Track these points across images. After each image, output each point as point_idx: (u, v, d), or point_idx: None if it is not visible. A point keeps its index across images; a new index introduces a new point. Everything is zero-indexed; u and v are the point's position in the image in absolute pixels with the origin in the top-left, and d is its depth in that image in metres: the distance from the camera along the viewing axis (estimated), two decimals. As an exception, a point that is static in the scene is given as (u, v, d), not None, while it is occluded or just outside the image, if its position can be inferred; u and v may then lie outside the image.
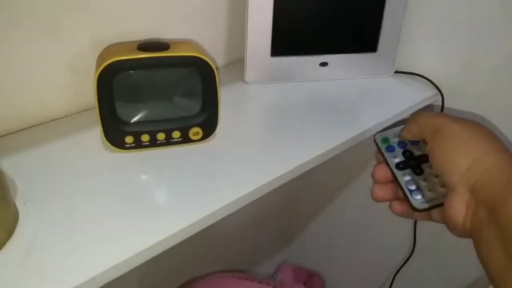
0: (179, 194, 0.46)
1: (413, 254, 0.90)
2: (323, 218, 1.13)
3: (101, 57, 0.50)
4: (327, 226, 1.13)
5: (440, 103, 0.73)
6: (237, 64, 0.77)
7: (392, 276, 0.97)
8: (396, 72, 0.77)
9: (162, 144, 0.54)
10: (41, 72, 0.55)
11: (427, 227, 0.86)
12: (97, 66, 0.48)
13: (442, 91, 0.73)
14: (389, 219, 0.93)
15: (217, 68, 0.52)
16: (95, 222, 0.42)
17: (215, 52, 0.74)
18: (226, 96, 0.66)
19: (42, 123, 0.58)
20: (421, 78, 0.75)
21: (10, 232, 0.41)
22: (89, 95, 0.61)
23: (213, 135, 0.56)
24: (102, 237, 0.40)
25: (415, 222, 0.87)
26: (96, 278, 0.36)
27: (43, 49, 0.54)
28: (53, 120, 0.59)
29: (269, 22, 0.66)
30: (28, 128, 0.57)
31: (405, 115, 0.67)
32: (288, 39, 0.69)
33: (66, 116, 0.60)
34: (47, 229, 0.41)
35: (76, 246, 0.39)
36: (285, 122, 0.61)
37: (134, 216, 0.43)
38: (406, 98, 0.70)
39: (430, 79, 0.74)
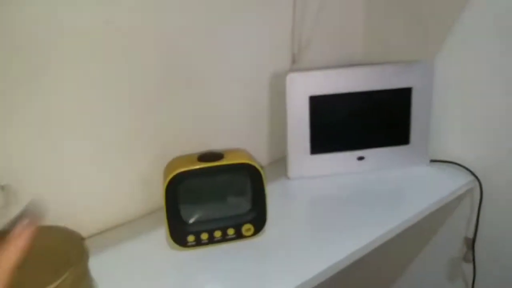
0: (231, 283, 0.54)
1: None
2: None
3: (168, 168, 0.62)
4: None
5: (479, 189, 0.79)
6: (279, 161, 0.88)
7: None
8: (432, 161, 0.84)
9: (218, 241, 0.63)
10: (116, 184, 0.68)
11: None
12: (165, 176, 0.60)
13: (481, 179, 0.79)
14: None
15: (262, 168, 0.63)
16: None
17: (259, 153, 0.86)
18: (270, 192, 0.75)
19: (117, 226, 0.69)
20: (457, 165, 0.82)
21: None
22: (154, 199, 0.73)
23: (263, 230, 0.64)
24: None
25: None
26: None
27: (118, 166, 0.68)
28: (126, 222, 0.70)
29: (306, 124, 0.78)
30: (105, 231, 0.68)
31: (444, 202, 0.74)
32: (326, 138, 0.80)
33: (136, 219, 0.72)
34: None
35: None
36: (327, 215, 0.69)
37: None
38: (443, 186, 0.76)
39: (466, 166, 0.81)
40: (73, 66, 0.59)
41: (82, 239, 0.51)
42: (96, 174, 0.66)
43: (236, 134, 0.81)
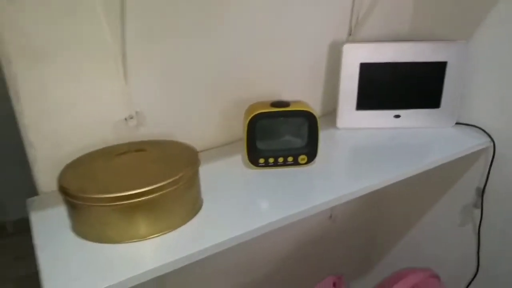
0: (287, 193, 0.80)
1: (477, 276, 1.10)
2: (396, 238, 1.37)
3: (248, 110, 0.88)
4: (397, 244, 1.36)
5: (492, 148, 0.98)
6: (329, 114, 1.11)
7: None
8: (457, 123, 1.03)
9: (281, 165, 0.88)
10: (204, 121, 0.95)
11: (491, 249, 1.07)
12: (247, 115, 0.86)
13: (495, 140, 0.97)
14: (453, 237, 1.15)
15: (319, 117, 0.86)
16: (239, 208, 0.77)
17: (314, 106, 1.09)
18: (321, 136, 1.00)
19: (204, 150, 0.97)
20: (477, 128, 1.01)
21: (197, 210, 0.77)
22: (230, 133, 0.99)
23: (313, 161, 0.89)
24: (236, 215, 0.75)
25: (478, 243, 1.08)
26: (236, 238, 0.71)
27: (204, 107, 0.94)
28: (210, 148, 0.98)
29: (355, 85, 1.00)
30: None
31: (460, 155, 0.94)
32: (370, 97, 1.02)
33: (217, 147, 0.99)
34: (219, 210, 0.77)
35: (227, 219, 0.74)
36: (364, 157, 0.93)
37: (256, 205, 0.77)
38: (462, 144, 0.96)
39: (486, 130, 0.99)
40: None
41: (195, 150, 0.77)
42: (196, 111, 0.93)
43: (298, 89, 1.04)
